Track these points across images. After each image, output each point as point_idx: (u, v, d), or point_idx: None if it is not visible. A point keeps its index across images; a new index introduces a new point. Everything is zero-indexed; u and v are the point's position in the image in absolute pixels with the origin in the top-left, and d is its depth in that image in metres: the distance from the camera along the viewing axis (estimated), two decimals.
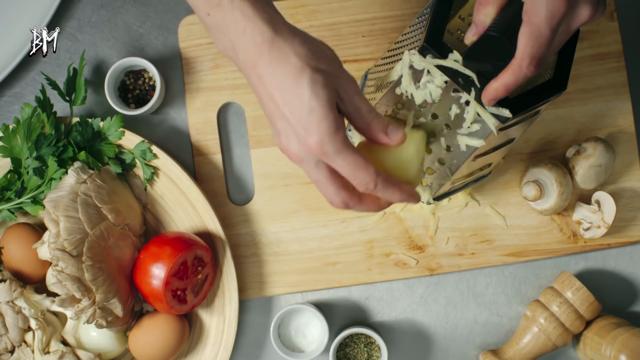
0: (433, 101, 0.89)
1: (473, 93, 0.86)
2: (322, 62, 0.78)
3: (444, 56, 0.86)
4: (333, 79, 0.78)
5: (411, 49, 0.89)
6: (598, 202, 1.08)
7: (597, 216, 1.08)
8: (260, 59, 0.78)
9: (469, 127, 0.88)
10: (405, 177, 0.86)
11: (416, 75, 0.89)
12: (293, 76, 0.77)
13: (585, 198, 1.11)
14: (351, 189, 0.82)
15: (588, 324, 1.08)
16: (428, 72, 0.88)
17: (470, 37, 0.87)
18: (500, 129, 0.88)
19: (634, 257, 1.13)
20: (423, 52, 0.88)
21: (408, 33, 0.95)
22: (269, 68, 0.78)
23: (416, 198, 0.84)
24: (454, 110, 0.88)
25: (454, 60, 0.86)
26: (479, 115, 0.87)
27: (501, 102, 0.86)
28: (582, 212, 1.10)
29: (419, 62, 0.87)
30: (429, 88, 0.88)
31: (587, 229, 1.09)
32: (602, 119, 1.12)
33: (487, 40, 0.84)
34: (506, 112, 0.86)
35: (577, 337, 1.09)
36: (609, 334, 1.04)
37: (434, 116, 0.90)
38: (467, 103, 0.87)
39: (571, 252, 1.12)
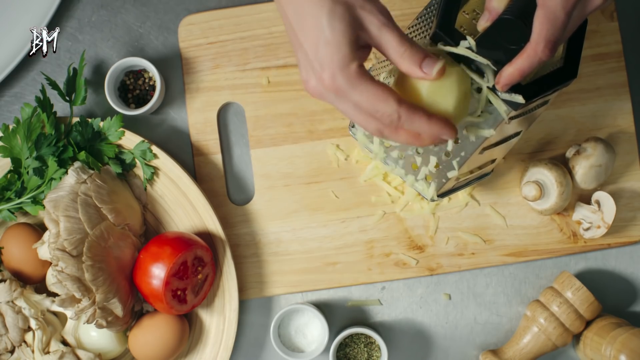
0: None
1: (486, 79, 0.85)
2: None
3: (457, 43, 0.86)
4: (355, 10, 0.75)
5: (420, 39, 0.89)
6: (598, 202, 1.08)
7: (597, 216, 1.08)
8: None
9: (479, 115, 0.88)
10: (443, 108, 0.80)
11: None
12: (312, 7, 0.75)
13: (585, 198, 1.11)
14: None
15: (588, 324, 1.08)
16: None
17: (483, 24, 0.86)
18: (511, 118, 0.88)
19: (634, 257, 1.13)
20: (435, 38, 0.87)
21: (414, 26, 0.95)
22: None
23: (450, 130, 0.79)
24: None
25: (467, 47, 0.86)
26: (490, 103, 0.87)
27: (513, 89, 0.86)
28: (582, 212, 1.09)
29: (430, 49, 0.87)
30: None
31: (587, 229, 1.09)
32: (602, 119, 1.12)
33: (501, 24, 0.84)
34: (519, 98, 0.85)
35: (577, 337, 1.09)
36: (609, 334, 1.04)
37: None
38: (479, 90, 0.87)
39: (571, 252, 1.12)
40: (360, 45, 0.77)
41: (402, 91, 0.81)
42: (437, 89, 0.80)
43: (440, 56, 0.81)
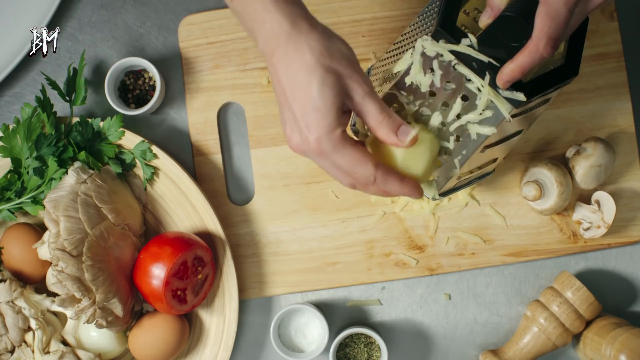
0: (444, 89, 0.88)
1: (487, 77, 0.85)
2: (336, 61, 0.80)
3: (458, 40, 0.86)
4: (344, 79, 0.80)
5: (422, 37, 0.89)
6: (598, 202, 1.08)
7: (597, 216, 1.08)
8: (277, 50, 0.80)
9: (480, 113, 0.88)
10: (413, 172, 0.87)
11: (426, 63, 0.88)
12: (305, 73, 0.79)
13: (585, 198, 1.11)
14: None
15: (588, 324, 1.08)
16: (441, 55, 0.88)
17: (485, 20, 0.87)
18: (513, 116, 0.88)
19: (634, 257, 1.13)
20: (436, 36, 0.87)
21: (415, 24, 0.95)
22: (284, 60, 0.80)
23: (418, 193, 0.86)
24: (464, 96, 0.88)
25: (468, 45, 0.86)
26: (491, 101, 0.87)
27: (514, 87, 0.86)
28: (582, 212, 1.09)
29: (432, 47, 0.87)
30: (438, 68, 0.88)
31: (587, 229, 1.09)
32: (602, 119, 1.12)
33: (503, 21, 0.85)
34: (520, 96, 0.86)
35: (577, 337, 1.09)
36: (609, 334, 1.04)
37: (445, 104, 0.89)
38: (480, 88, 0.87)
39: (571, 252, 1.12)
40: (343, 111, 0.82)
41: (376, 152, 0.87)
42: (410, 155, 0.86)
43: (416, 123, 0.89)
